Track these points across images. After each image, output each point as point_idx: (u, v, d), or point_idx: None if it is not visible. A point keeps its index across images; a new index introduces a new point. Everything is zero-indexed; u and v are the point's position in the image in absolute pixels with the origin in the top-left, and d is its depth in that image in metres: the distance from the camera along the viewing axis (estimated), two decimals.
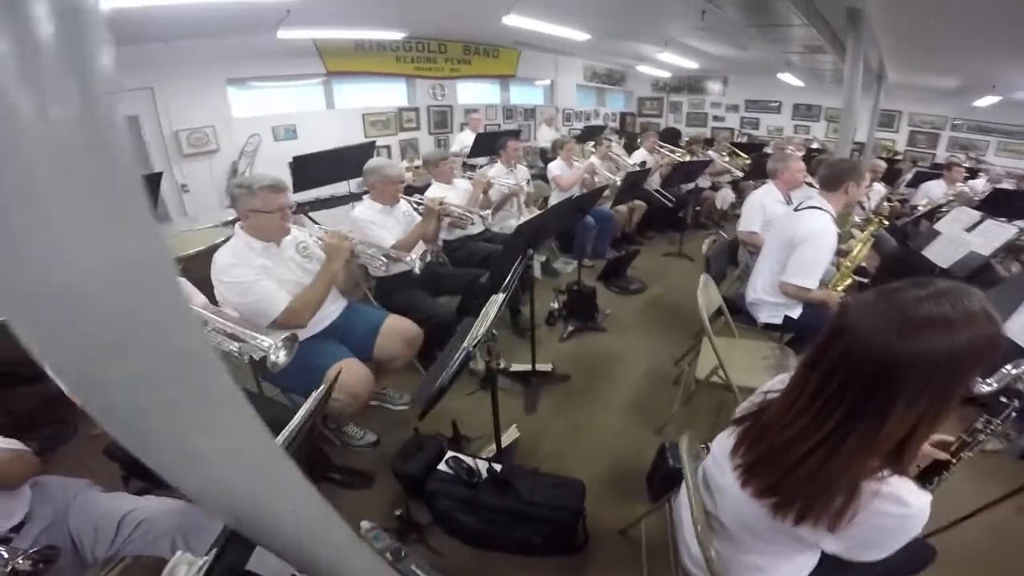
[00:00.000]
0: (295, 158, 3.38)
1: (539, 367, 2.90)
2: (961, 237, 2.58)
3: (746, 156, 6.80)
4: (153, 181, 2.84)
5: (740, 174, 6.26)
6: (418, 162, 6.13)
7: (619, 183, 4.38)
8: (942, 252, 2.62)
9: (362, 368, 2.08)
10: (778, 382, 1.10)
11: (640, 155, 5.62)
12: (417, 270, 2.25)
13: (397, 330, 2.33)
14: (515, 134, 5.24)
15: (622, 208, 4.93)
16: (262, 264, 1.96)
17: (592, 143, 5.26)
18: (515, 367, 2.98)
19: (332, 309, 2.28)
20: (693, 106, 11.57)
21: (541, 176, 5.43)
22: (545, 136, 7.49)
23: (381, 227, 2.64)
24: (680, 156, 6.02)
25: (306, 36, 5.05)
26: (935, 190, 5.33)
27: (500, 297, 1.62)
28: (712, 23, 4.80)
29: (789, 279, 2.31)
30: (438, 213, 2.81)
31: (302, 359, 2.08)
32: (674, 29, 5.88)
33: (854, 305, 0.86)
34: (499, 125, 8.01)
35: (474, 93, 7.92)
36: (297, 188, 3.44)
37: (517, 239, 2.25)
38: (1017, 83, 5.73)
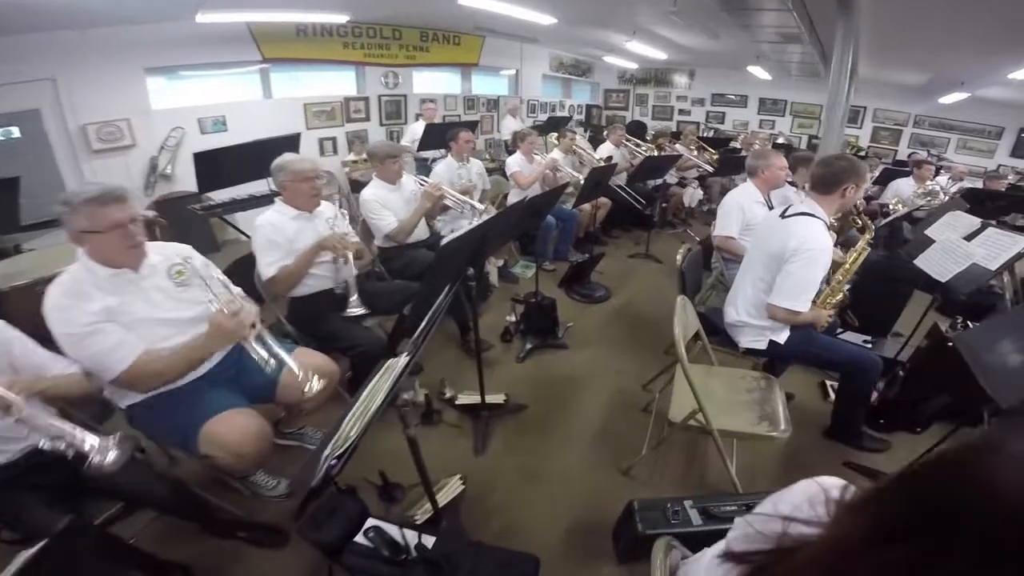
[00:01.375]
0: (197, 155, 2.86)
1: (490, 399, 2.50)
2: (960, 247, 2.30)
3: (713, 151, 6.57)
4: (7, 187, 2.28)
5: (709, 169, 5.99)
6: (365, 154, 5.65)
7: (582, 181, 4.01)
8: (938, 263, 2.34)
9: (250, 421, 1.64)
10: (804, 502, 0.71)
11: (606, 149, 5.27)
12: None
13: (306, 368, 1.89)
14: (471, 125, 4.81)
15: (586, 206, 4.57)
16: (104, 306, 1.49)
17: (555, 135, 4.86)
18: (462, 399, 2.58)
19: None
20: (659, 99, 11.34)
21: (503, 171, 5.03)
22: (509, 127, 7.07)
23: (292, 239, 2.18)
24: (646, 150, 5.71)
25: (229, 20, 4.48)
26: (904, 188, 5.16)
27: (400, 363, 1.18)
28: (685, 7, 4.48)
29: (777, 301, 1.98)
30: (341, 248, 2.27)
31: (174, 411, 1.64)
32: (645, 15, 5.56)
33: (997, 458, 0.46)
34: (459, 116, 7.53)
35: (433, 82, 7.42)
36: (204, 188, 2.92)
37: (444, 261, 1.81)
38: (986, 80, 5.63)
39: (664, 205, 5.90)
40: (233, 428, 1.58)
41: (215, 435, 1.58)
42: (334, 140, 5.84)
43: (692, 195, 5.78)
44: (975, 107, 7.88)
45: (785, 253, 1.95)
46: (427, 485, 1.66)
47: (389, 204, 2.93)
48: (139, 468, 1.59)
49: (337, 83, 6.17)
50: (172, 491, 1.65)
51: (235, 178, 3.03)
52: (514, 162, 4.24)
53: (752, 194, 2.91)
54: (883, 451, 2.43)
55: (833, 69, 3.41)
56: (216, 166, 2.86)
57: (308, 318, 2.30)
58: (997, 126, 8.11)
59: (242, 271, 2.29)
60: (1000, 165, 8.10)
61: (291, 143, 3.24)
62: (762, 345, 2.17)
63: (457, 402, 2.59)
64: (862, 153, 8.88)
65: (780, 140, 9.31)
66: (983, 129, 8.25)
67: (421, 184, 3.10)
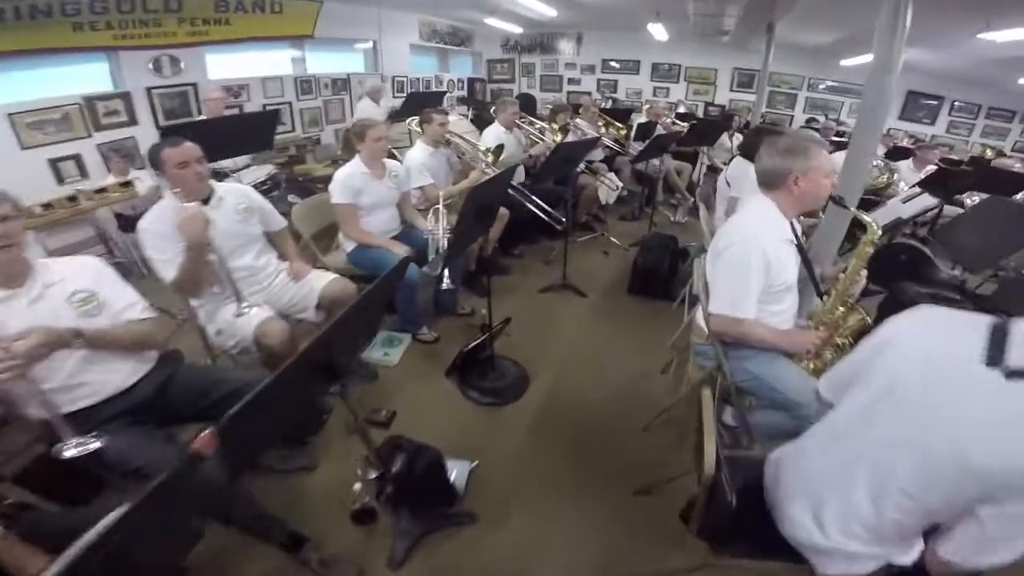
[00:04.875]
0: None
1: None
2: None
3: (620, 125, 5.40)
4: None
5: (632, 153, 4.80)
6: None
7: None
8: None
9: None
10: None
11: (493, 135, 3.80)
12: None
13: None
14: (267, 118, 3.11)
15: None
16: None
17: (416, 120, 3.27)
18: None
19: None
20: (546, 67, 10.11)
21: None
22: (369, 115, 5.32)
23: None
24: (540, 129, 4.30)
25: None
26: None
27: None
28: None
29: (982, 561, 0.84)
30: None
31: None
32: None
33: None
34: (290, 103, 5.63)
35: (243, 63, 5.40)
36: None
37: None
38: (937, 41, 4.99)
39: (574, 204, 4.64)
40: None
41: None
42: (78, 158, 3.76)
43: (608, 190, 4.57)
44: (866, 70, 7.58)
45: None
46: None
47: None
48: None
49: (81, 78, 4.06)
50: None
51: None
52: (341, 185, 2.53)
53: (776, 224, 1.61)
54: None
55: (885, 19, 2.07)
56: None
57: None
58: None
59: None
60: (890, 129, 7.94)
61: None
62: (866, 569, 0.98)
63: None
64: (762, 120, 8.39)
65: (681, 109, 8.52)
66: None
67: None
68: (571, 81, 10.05)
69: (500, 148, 3.43)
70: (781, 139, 1.57)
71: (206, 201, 1.93)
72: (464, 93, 9.45)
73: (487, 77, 10.28)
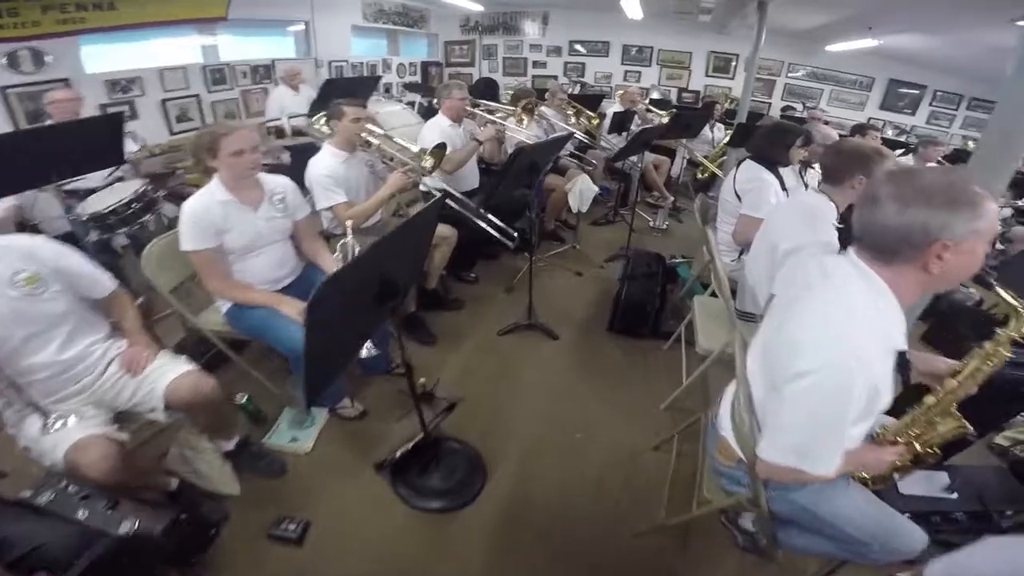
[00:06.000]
0: None
1: None
2: None
3: (592, 114, 4.73)
4: None
5: (608, 148, 4.13)
6: None
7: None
8: None
9: None
10: None
11: (434, 131, 2.99)
12: None
13: None
14: (108, 121, 2.32)
15: None
16: None
17: (324, 116, 2.41)
18: None
19: None
20: (510, 49, 9.29)
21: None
22: (285, 106, 4.47)
23: None
24: (503, 118, 3.56)
25: None
26: None
27: None
28: None
29: None
30: None
31: None
32: None
33: None
34: (197, 96, 4.73)
35: (149, 52, 4.49)
36: None
37: None
38: (898, 24, 4.49)
39: (540, 215, 3.95)
40: None
41: None
42: None
43: (582, 193, 3.88)
44: (850, 57, 7.13)
45: None
46: None
47: None
48: None
49: None
50: None
51: None
52: (191, 223, 1.67)
53: (890, 326, 0.93)
54: None
55: None
56: None
57: None
58: (868, 77, 7.49)
59: None
60: (871, 118, 7.55)
61: None
62: None
63: None
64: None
65: (655, 95, 7.91)
66: (855, 80, 7.60)
67: None
68: (536, 64, 9.26)
69: (442, 148, 2.53)
70: (921, 175, 0.86)
71: None
72: (418, 78, 8.58)
73: (444, 61, 9.40)
